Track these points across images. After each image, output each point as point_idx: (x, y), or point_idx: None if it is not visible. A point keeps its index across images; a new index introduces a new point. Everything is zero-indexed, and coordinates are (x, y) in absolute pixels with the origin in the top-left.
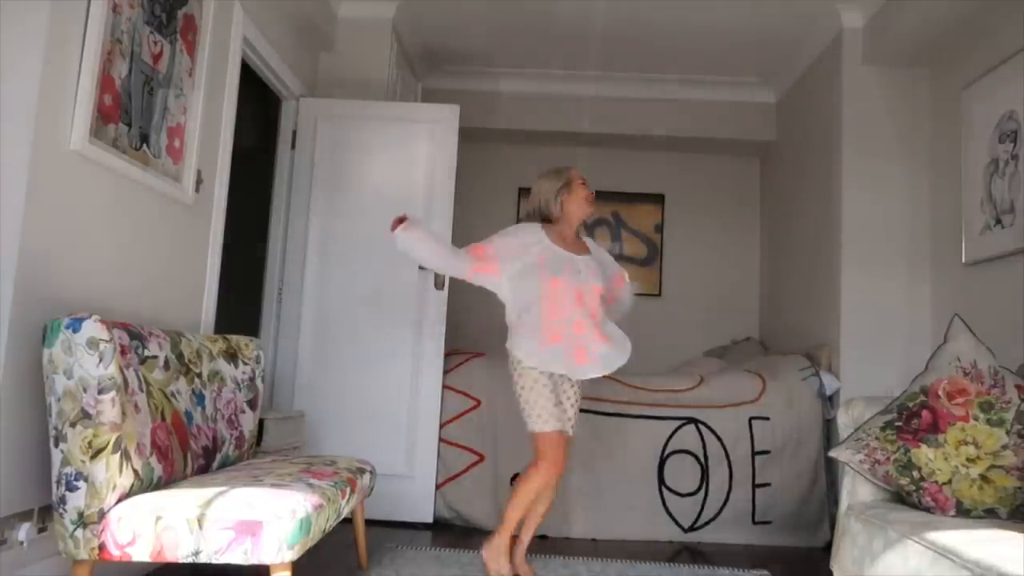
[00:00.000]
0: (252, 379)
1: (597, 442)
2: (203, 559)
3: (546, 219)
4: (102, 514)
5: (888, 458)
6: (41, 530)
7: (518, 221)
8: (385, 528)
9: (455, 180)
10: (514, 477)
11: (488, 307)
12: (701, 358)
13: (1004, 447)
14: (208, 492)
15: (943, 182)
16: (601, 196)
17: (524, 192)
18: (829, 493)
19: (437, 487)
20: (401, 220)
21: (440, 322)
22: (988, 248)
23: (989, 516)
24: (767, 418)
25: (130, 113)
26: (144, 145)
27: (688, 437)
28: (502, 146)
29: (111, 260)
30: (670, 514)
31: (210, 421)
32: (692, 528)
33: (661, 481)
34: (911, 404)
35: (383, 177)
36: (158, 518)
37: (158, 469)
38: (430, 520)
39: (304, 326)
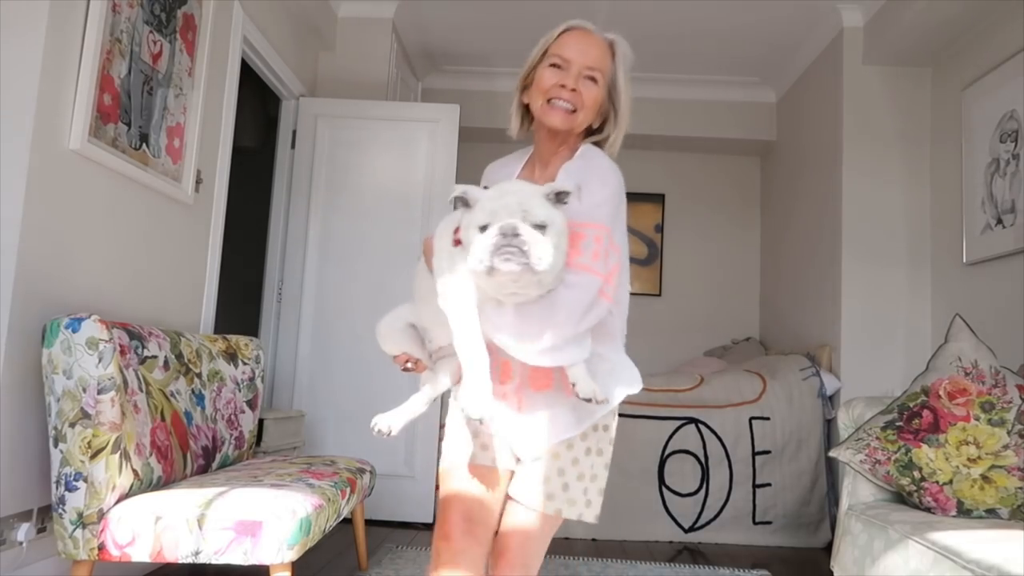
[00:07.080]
0: (252, 379)
1: None
2: (203, 559)
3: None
4: (102, 514)
5: (889, 458)
6: (41, 530)
7: None
8: (385, 528)
9: (455, 180)
10: None
11: None
12: (701, 358)
13: (1005, 447)
14: (208, 492)
15: (944, 182)
16: None
17: None
18: (830, 493)
19: (437, 487)
20: None
21: None
22: (989, 248)
23: (990, 516)
24: (767, 418)
25: (129, 112)
26: (143, 145)
27: (688, 437)
28: (502, 146)
29: (110, 260)
30: (670, 514)
31: (210, 421)
32: (692, 528)
33: (661, 481)
34: (912, 404)
35: (383, 177)
36: (158, 518)
37: (158, 469)
38: (430, 520)
39: (304, 326)
